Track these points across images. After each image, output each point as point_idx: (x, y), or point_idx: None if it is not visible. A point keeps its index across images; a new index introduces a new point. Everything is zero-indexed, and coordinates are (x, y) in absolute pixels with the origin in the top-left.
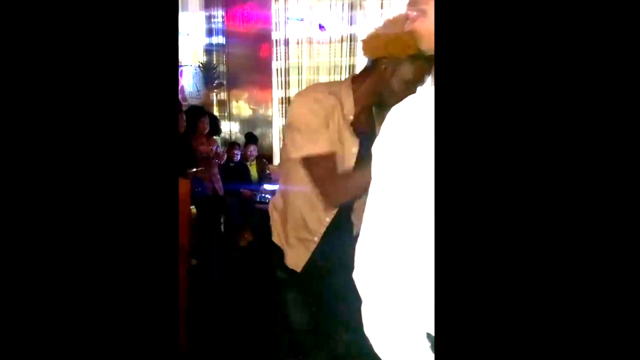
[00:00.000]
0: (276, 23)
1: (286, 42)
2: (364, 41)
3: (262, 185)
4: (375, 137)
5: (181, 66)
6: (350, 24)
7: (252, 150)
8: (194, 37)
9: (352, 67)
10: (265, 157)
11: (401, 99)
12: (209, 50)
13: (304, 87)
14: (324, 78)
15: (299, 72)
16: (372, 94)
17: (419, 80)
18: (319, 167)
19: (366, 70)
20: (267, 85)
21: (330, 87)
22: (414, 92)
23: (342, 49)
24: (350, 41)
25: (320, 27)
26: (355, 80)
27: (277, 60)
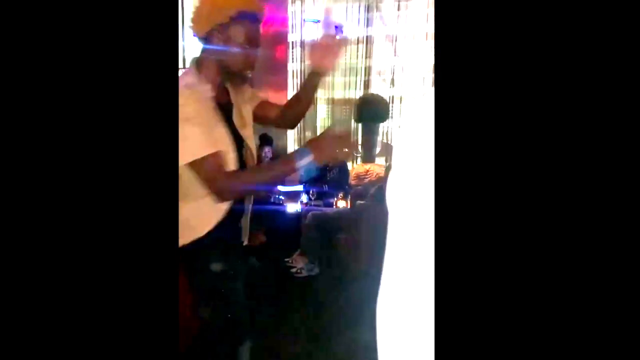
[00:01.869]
0: (292, 25)
1: (302, 44)
2: (191, 25)
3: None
4: (234, 108)
5: None
6: (367, 26)
7: (267, 151)
8: None
9: (368, 68)
10: None
11: (245, 63)
12: None
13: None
14: (339, 79)
15: None
16: (218, 69)
17: (252, 39)
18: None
19: (203, 52)
20: (282, 86)
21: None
22: (255, 53)
23: (358, 50)
24: (367, 43)
25: (337, 28)
26: (199, 65)
27: (292, 62)
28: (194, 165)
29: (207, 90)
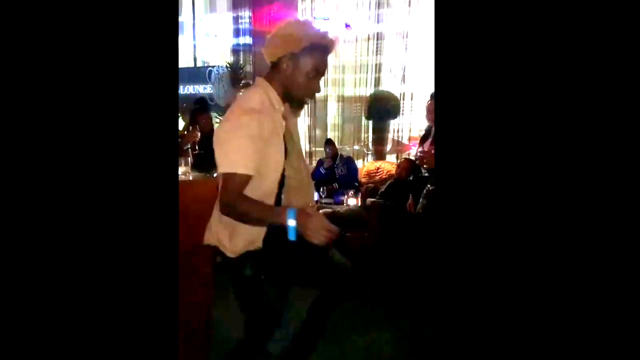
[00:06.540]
0: None
1: None
2: (264, 49)
3: None
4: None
5: (210, 67)
6: (377, 23)
7: None
8: (222, 38)
9: (378, 65)
10: None
11: (306, 92)
12: (236, 50)
13: (329, 85)
14: (349, 77)
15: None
16: (282, 92)
17: (318, 70)
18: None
19: (269, 75)
20: None
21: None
22: (317, 83)
23: (368, 47)
24: (377, 40)
25: (347, 25)
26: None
27: None
28: (226, 175)
29: (281, 111)
